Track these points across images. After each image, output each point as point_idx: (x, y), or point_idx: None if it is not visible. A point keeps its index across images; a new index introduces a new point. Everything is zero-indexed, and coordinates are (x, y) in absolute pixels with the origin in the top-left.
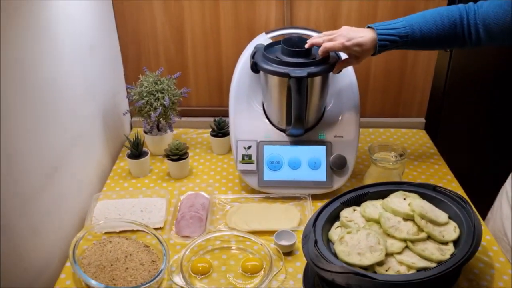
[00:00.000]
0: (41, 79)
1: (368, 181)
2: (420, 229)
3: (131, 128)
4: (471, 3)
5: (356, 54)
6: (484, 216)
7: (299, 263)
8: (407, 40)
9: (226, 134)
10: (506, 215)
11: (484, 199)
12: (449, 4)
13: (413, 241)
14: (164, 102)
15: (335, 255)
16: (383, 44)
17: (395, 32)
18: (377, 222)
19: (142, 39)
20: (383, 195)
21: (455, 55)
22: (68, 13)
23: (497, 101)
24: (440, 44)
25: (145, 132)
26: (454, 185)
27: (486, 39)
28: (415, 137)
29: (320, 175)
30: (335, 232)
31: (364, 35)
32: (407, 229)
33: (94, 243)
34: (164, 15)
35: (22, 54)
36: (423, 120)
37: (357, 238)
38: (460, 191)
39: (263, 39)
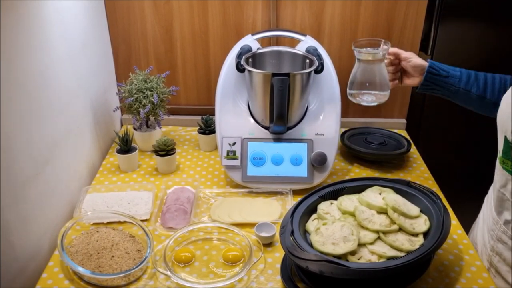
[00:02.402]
0: (34, 75)
1: (353, 82)
2: (393, 222)
3: (122, 124)
4: None
5: (406, 57)
6: (460, 213)
7: (278, 254)
8: (456, 73)
9: (213, 131)
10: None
11: (461, 196)
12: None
13: (385, 233)
14: (153, 99)
15: (310, 245)
16: (431, 71)
17: (447, 68)
18: (353, 214)
19: (132, 38)
20: (359, 189)
21: (436, 58)
22: (62, 11)
23: None
24: (487, 92)
25: (134, 129)
26: (430, 183)
27: None
28: None
29: (302, 171)
30: (312, 224)
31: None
32: (380, 221)
33: (82, 233)
34: (154, 16)
35: (16, 51)
36: (404, 121)
37: (332, 229)
38: (436, 189)
39: (249, 40)
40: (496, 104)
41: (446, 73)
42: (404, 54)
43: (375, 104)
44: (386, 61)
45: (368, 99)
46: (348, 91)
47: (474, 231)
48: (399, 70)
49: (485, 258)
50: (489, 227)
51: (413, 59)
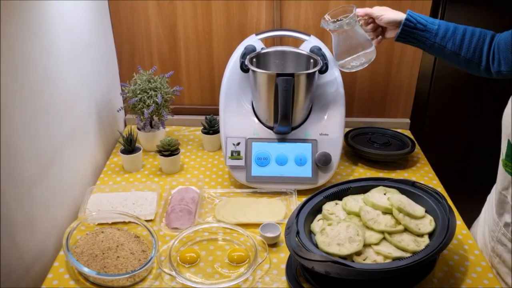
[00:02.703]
0: (39, 76)
1: (337, 53)
2: (398, 222)
3: (125, 125)
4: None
5: (379, 16)
6: (464, 213)
7: (283, 254)
8: (433, 28)
9: (217, 131)
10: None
11: (465, 196)
12: (433, 4)
13: (390, 233)
14: (157, 99)
15: (316, 245)
16: (407, 24)
17: (426, 21)
18: (358, 215)
19: (136, 39)
20: (364, 190)
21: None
22: (66, 12)
23: (480, 101)
24: (462, 49)
25: (138, 129)
26: (434, 183)
27: (503, 62)
28: None
29: (306, 171)
30: (317, 224)
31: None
32: (385, 222)
33: (87, 234)
34: (157, 16)
35: (21, 52)
36: (408, 120)
37: (337, 230)
38: (440, 189)
39: (253, 40)
40: (470, 62)
41: (423, 27)
42: (375, 12)
43: (366, 65)
44: (360, 22)
45: (357, 63)
46: (337, 63)
47: (474, 229)
48: (378, 26)
49: (487, 258)
50: (490, 228)
51: (385, 16)
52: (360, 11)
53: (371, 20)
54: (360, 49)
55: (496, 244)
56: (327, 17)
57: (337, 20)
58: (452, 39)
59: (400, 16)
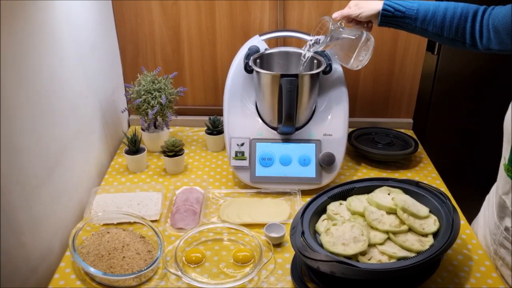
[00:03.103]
0: (44, 78)
1: (341, 59)
2: (402, 222)
3: (129, 125)
4: (491, 7)
5: (357, 15)
6: (466, 213)
7: (287, 254)
8: (412, 13)
9: (220, 132)
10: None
11: (467, 196)
12: None
13: (395, 233)
14: (161, 100)
15: (321, 245)
16: (385, 14)
17: (404, 8)
18: (362, 215)
19: (140, 40)
20: (368, 190)
21: (442, 58)
22: (70, 13)
23: (482, 102)
24: (444, 30)
25: (142, 130)
26: (438, 182)
27: (495, 41)
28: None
29: (310, 171)
30: (321, 224)
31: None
32: (389, 222)
33: (92, 234)
34: (161, 16)
35: (26, 53)
36: (410, 120)
37: (342, 230)
38: (444, 188)
39: (257, 41)
40: (454, 41)
41: (402, 14)
42: (352, 13)
43: (372, 50)
44: (342, 23)
45: (363, 56)
46: (347, 66)
47: (474, 229)
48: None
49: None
50: (491, 231)
51: (363, 13)
52: (337, 15)
53: (351, 18)
54: (357, 44)
55: (498, 247)
56: (311, 41)
57: (318, 41)
58: (433, 21)
59: (377, 7)
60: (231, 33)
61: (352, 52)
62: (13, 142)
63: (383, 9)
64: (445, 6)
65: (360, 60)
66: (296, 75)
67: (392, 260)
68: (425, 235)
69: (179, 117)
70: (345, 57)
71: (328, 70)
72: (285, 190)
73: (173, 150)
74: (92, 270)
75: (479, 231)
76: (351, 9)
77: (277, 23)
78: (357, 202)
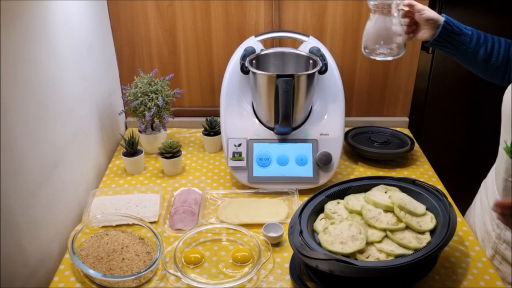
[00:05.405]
0: (41, 80)
1: (368, 36)
2: (399, 220)
3: (126, 127)
4: None
5: (420, 10)
6: (463, 210)
7: (286, 253)
8: (468, 33)
9: (217, 133)
10: (478, 214)
11: (463, 193)
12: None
13: (392, 231)
14: (158, 102)
15: (319, 244)
16: (446, 27)
17: (459, 25)
18: (359, 213)
19: (136, 42)
20: (365, 188)
21: (437, 57)
22: (67, 15)
23: (477, 100)
24: (492, 56)
25: (140, 132)
26: (434, 180)
27: None
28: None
29: (307, 171)
30: (319, 223)
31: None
32: (387, 220)
33: (91, 236)
34: (157, 18)
35: (23, 55)
36: (406, 119)
37: (340, 228)
38: (440, 186)
39: (253, 41)
40: (498, 70)
41: (459, 31)
42: (418, 6)
43: (390, 58)
44: (400, 12)
45: (385, 51)
46: (363, 46)
47: (471, 220)
48: (413, 23)
49: (489, 245)
50: (495, 216)
51: (426, 12)
52: (405, 1)
53: (410, 13)
54: (393, 40)
55: (503, 231)
56: None
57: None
58: (485, 45)
59: (439, 16)
60: (227, 34)
61: (381, 40)
62: (11, 145)
63: (445, 21)
64: (492, 36)
65: (379, 51)
66: (292, 76)
67: (390, 258)
68: (422, 233)
69: (176, 119)
70: (374, 37)
71: (324, 70)
72: (282, 190)
73: (171, 152)
74: (91, 272)
75: (477, 220)
76: (419, 4)
77: (272, 23)
78: (355, 200)
